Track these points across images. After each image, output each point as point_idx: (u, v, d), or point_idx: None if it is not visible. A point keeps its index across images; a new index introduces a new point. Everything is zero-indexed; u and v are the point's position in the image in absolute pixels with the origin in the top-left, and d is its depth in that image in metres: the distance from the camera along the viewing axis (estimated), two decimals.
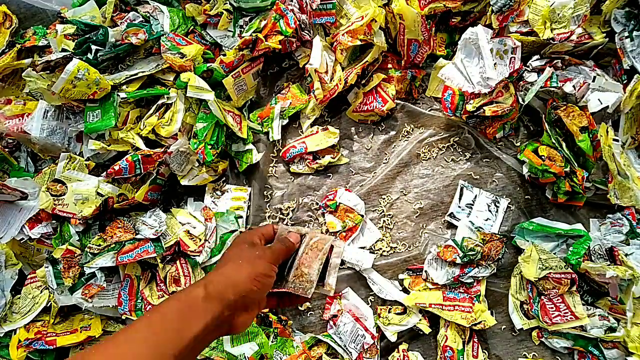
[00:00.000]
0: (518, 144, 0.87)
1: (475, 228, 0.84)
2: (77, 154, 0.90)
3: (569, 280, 0.76)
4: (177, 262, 0.84)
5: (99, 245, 0.84)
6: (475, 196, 0.86)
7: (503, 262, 0.84)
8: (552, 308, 0.78)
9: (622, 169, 0.77)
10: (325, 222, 0.88)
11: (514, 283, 0.83)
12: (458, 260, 0.80)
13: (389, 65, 0.91)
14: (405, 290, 0.85)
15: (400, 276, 0.86)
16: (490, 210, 0.86)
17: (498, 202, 0.86)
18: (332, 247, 0.57)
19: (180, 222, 0.86)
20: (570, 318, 0.76)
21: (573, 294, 0.77)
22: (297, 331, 0.88)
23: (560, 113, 0.78)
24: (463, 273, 0.81)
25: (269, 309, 0.86)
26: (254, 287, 0.45)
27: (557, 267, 0.76)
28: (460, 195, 0.86)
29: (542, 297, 0.79)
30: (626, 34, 0.80)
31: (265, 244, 0.53)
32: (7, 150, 0.93)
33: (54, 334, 0.83)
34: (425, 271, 0.83)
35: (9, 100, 0.91)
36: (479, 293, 0.82)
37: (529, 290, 0.81)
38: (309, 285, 0.53)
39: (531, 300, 0.80)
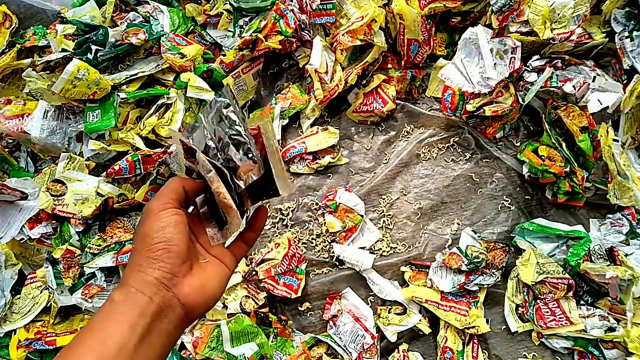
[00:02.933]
0: (518, 144, 0.87)
1: (478, 237, 0.84)
2: (77, 154, 0.90)
3: (565, 286, 0.76)
4: None
5: (99, 245, 0.84)
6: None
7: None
8: (547, 312, 0.78)
9: (622, 169, 0.77)
10: (325, 222, 0.88)
11: (511, 286, 0.83)
12: (464, 267, 0.80)
13: (389, 65, 0.91)
14: (405, 284, 0.85)
15: (402, 269, 0.86)
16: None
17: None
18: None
19: None
20: (565, 323, 0.76)
21: (569, 299, 0.77)
22: (297, 331, 0.88)
23: (560, 113, 0.78)
24: (468, 280, 0.81)
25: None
26: (161, 236, 0.35)
27: (555, 272, 0.77)
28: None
29: (538, 301, 0.79)
30: (626, 34, 0.80)
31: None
32: (7, 150, 0.93)
33: (54, 334, 0.83)
34: (430, 279, 0.82)
35: (9, 100, 0.91)
36: (477, 299, 0.82)
37: (525, 293, 0.81)
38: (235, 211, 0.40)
39: (527, 304, 0.80)
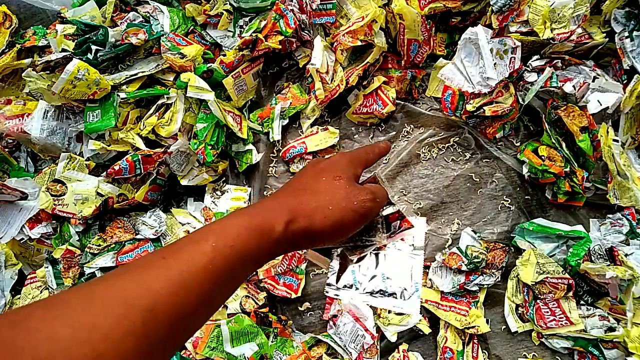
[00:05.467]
0: (518, 144, 0.87)
1: (478, 237, 0.84)
2: (77, 154, 0.90)
3: (565, 286, 0.76)
4: None
5: (99, 245, 0.84)
6: None
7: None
8: (547, 312, 0.78)
9: (622, 169, 0.77)
10: None
11: (511, 286, 0.83)
12: (464, 267, 0.80)
13: (389, 65, 0.91)
14: None
15: None
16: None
17: None
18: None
19: (180, 222, 0.86)
20: (565, 323, 0.76)
21: (569, 299, 0.77)
22: (297, 331, 0.88)
23: (560, 113, 0.78)
24: (468, 280, 0.81)
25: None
26: (329, 242, 0.40)
27: (555, 272, 0.77)
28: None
29: (538, 301, 0.79)
30: (626, 34, 0.80)
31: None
32: (7, 150, 0.93)
33: None
34: (430, 279, 0.82)
35: (9, 100, 0.91)
36: (477, 299, 0.82)
37: (525, 293, 0.81)
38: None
39: (527, 304, 0.80)
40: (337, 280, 0.47)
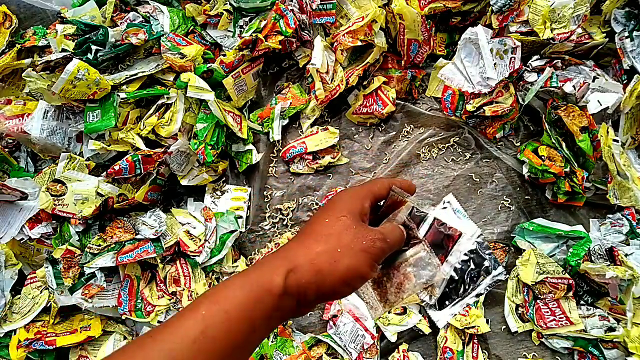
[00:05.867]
0: (518, 144, 0.87)
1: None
2: (77, 154, 0.90)
3: (565, 286, 0.76)
4: (177, 262, 0.84)
5: (99, 245, 0.84)
6: None
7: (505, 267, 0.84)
8: (547, 312, 0.78)
9: (622, 169, 0.77)
10: None
11: (511, 286, 0.83)
12: None
13: (389, 65, 0.91)
14: None
15: None
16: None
17: None
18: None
19: (180, 222, 0.86)
20: (565, 323, 0.76)
21: (569, 299, 0.77)
22: (297, 331, 0.88)
23: (560, 113, 0.78)
24: None
25: None
26: (343, 291, 0.34)
27: (555, 272, 0.77)
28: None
29: (538, 301, 0.79)
30: (626, 34, 0.80)
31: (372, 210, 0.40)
32: (7, 150, 0.93)
33: (54, 334, 0.83)
34: None
35: (9, 100, 0.91)
36: (477, 299, 0.82)
37: (525, 293, 0.81)
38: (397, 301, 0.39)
39: (527, 304, 0.80)
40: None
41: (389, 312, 0.37)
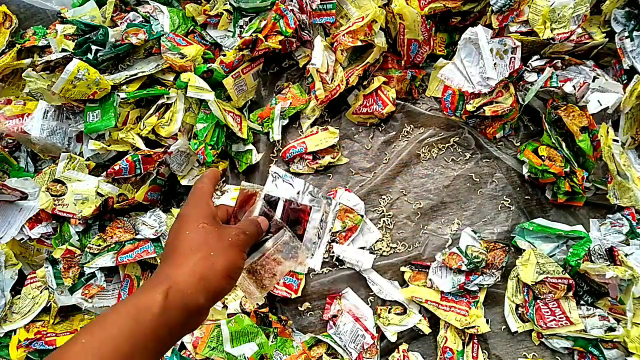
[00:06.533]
0: (518, 144, 0.87)
1: (478, 237, 0.84)
2: (77, 154, 0.90)
3: (565, 286, 0.76)
4: None
5: (99, 245, 0.84)
6: None
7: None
8: (547, 312, 0.78)
9: (622, 169, 0.77)
10: None
11: (511, 286, 0.83)
12: (464, 267, 0.80)
13: (389, 65, 0.91)
14: (405, 284, 0.85)
15: (402, 269, 0.86)
16: None
17: None
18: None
19: None
20: (565, 323, 0.76)
21: (569, 299, 0.77)
22: (297, 331, 0.88)
23: (560, 113, 0.78)
24: (468, 280, 0.81)
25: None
26: (228, 286, 0.37)
27: (555, 272, 0.77)
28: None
29: (538, 301, 0.79)
30: (626, 34, 0.80)
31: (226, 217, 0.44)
32: (7, 150, 0.93)
33: (54, 334, 0.83)
34: (430, 279, 0.82)
35: (9, 100, 0.91)
36: (477, 299, 0.82)
37: (525, 293, 0.81)
38: (269, 284, 0.43)
39: (527, 304, 0.80)
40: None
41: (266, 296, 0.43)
